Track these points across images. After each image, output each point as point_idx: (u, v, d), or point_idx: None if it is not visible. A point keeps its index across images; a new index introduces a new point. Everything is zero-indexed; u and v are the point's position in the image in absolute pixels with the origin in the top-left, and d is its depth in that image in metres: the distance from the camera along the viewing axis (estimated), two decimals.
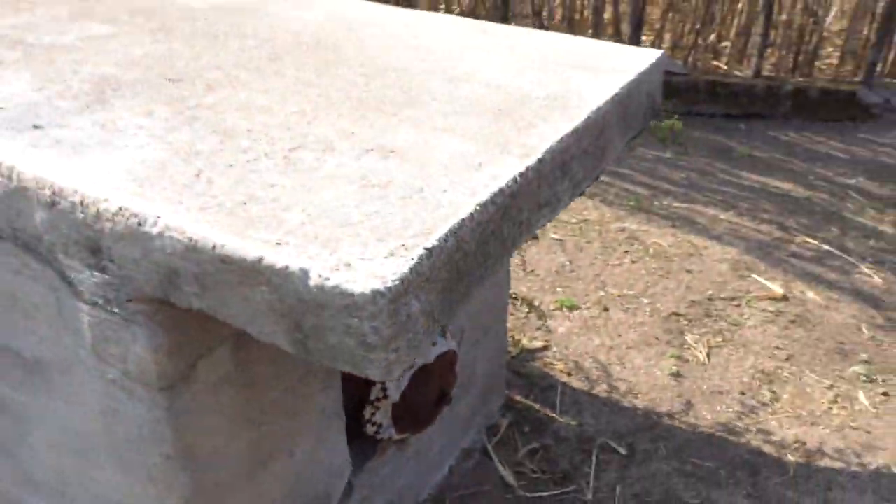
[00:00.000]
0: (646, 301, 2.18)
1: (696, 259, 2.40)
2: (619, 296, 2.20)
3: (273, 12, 1.33)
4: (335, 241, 0.63)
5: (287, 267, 0.60)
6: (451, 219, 0.68)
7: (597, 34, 3.98)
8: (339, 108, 0.91)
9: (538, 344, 1.98)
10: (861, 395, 1.83)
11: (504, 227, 0.77)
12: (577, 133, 0.92)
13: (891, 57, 4.38)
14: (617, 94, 1.06)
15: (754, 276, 2.31)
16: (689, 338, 2.02)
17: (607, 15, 3.95)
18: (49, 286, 0.80)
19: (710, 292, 2.22)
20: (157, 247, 0.66)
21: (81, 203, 0.70)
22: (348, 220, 0.66)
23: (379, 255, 0.61)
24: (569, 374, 1.88)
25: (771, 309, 2.15)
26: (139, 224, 0.66)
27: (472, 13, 3.92)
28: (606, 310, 2.13)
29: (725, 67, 4.21)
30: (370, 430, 1.22)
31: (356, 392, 1.17)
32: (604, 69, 1.14)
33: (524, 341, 1.98)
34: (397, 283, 0.59)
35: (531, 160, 0.82)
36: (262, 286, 0.62)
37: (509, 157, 0.82)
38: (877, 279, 2.35)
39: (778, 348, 1.99)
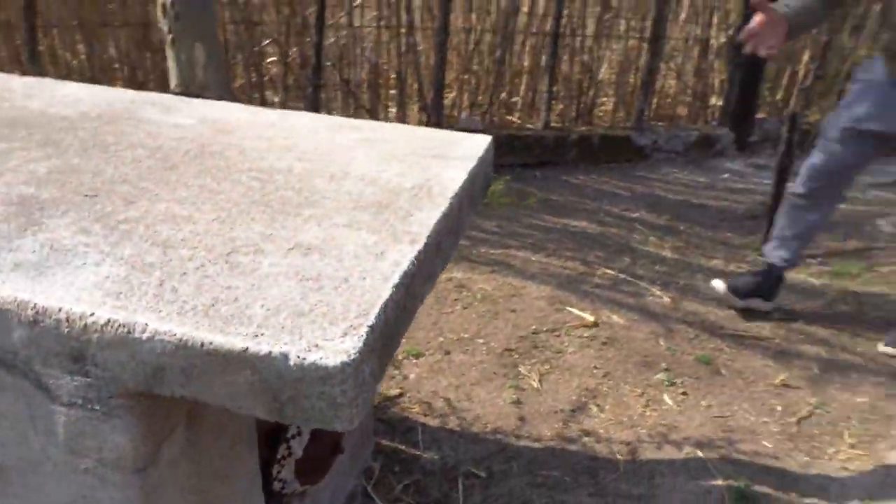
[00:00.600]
0: (481, 341, 2.45)
1: (518, 299, 2.73)
2: (456, 339, 2.46)
3: (147, 119, 1.47)
4: (299, 328, 0.82)
5: (270, 353, 0.78)
6: (378, 301, 0.88)
7: (402, 98, 4.30)
8: (249, 213, 1.09)
9: (395, 391, 2.19)
10: (666, 397, 2.20)
11: (407, 301, 0.98)
12: (444, 217, 1.16)
13: (654, 103, 5.07)
14: (466, 178, 1.31)
15: (568, 308, 2.66)
16: (522, 369, 2.31)
17: (410, 80, 4.29)
18: (20, 394, 0.91)
19: (533, 327, 2.54)
20: (147, 349, 0.81)
21: (67, 319, 0.83)
22: (302, 311, 0.85)
23: (337, 336, 0.81)
24: (425, 415, 2.10)
25: (586, 335, 2.50)
26: (128, 332, 0.81)
27: (284, 101, 4.11)
28: (448, 353, 2.38)
29: (518, 121, 4.68)
30: (277, 486, 1.36)
31: (263, 453, 1.32)
32: (452, 157, 1.39)
33: (382, 390, 2.18)
34: (356, 355, 0.79)
35: (420, 245, 1.04)
36: (246, 371, 0.79)
37: (402, 244, 1.03)
38: (665, 299, 2.78)
39: (596, 367, 2.32)
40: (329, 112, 4.16)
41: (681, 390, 2.24)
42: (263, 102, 3.96)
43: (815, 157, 2.55)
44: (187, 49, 2.02)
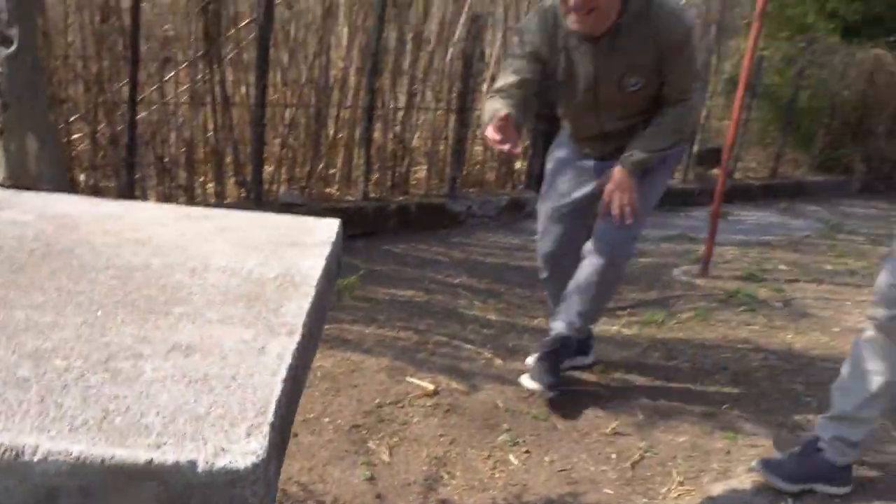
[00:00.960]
0: (327, 420, 2.45)
1: (358, 373, 2.75)
2: (302, 420, 2.44)
3: None
4: (201, 433, 0.81)
5: (177, 462, 0.77)
6: (272, 398, 0.90)
7: (219, 174, 4.24)
8: (117, 315, 1.06)
9: None
10: (511, 457, 2.30)
11: (294, 390, 1.00)
12: (312, 306, 1.19)
13: (465, 170, 5.33)
14: (325, 265, 1.35)
15: (408, 378, 2.72)
16: (371, 444, 2.33)
17: (227, 155, 4.24)
18: None
19: (377, 400, 2.57)
20: (38, 472, 0.77)
21: None
22: (199, 415, 0.85)
23: (241, 438, 0.81)
24: (281, 503, 2.06)
25: (428, 404, 2.57)
26: (17, 456, 0.77)
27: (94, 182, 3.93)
28: (295, 435, 2.36)
29: (337, 193, 4.75)
30: None
31: None
32: (308, 244, 1.42)
33: None
34: (264, 455, 0.80)
35: (297, 336, 1.06)
36: (152, 482, 0.77)
37: (280, 336, 1.05)
38: (497, 361, 2.92)
39: (442, 435, 2.39)
40: (144, 191, 4.01)
41: (524, 449, 2.35)
42: (72, 182, 3.76)
43: None
44: (18, 139, 1.90)
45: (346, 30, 4.56)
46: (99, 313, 1.06)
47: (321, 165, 4.70)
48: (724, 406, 2.71)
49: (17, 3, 1.91)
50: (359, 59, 4.57)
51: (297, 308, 1.16)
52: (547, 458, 2.30)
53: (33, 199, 1.51)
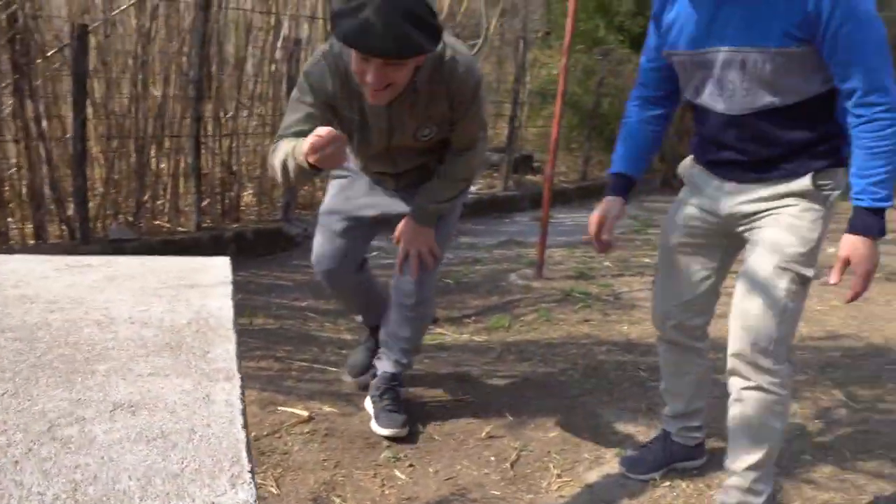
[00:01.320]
0: None
1: None
2: None
3: None
4: (184, 490, 0.80)
5: None
6: (240, 445, 0.90)
7: (38, 214, 3.95)
8: (38, 379, 1.01)
9: None
10: (398, 472, 2.34)
11: (248, 433, 1.00)
12: (237, 347, 1.18)
13: (300, 193, 5.29)
14: (232, 304, 1.34)
15: (280, 407, 2.69)
16: (257, 478, 2.28)
17: (47, 194, 3.96)
18: None
19: (253, 434, 2.52)
20: None
21: None
22: (174, 472, 0.83)
23: (228, 489, 0.81)
24: None
25: (306, 430, 2.55)
26: None
27: None
28: None
29: (168, 225, 4.56)
30: None
31: None
32: (207, 284, 1.40)
33: None
34: (254, 502, 0.80)
35: (237, 380, 1.06)
36: None
37: (220, 382, 1.04)
38: (351, 381, 2.94)
39: (326, 460, 2.39)
40: None
41: (407, 463, 2.40)
42: None
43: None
44: None
45: (163, 57, 4.40)
46: (17, 380, 1.01)
47: (147, 197, 4.49)
48: (582, 398, 2.91)
49: None
50: (180, 86, 4.42)
51: (225, 352, 1.15)
52: (431, 469, 2.36)
53: None
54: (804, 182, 1.89)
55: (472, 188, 5.28)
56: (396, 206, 2.57)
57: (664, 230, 2.21)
